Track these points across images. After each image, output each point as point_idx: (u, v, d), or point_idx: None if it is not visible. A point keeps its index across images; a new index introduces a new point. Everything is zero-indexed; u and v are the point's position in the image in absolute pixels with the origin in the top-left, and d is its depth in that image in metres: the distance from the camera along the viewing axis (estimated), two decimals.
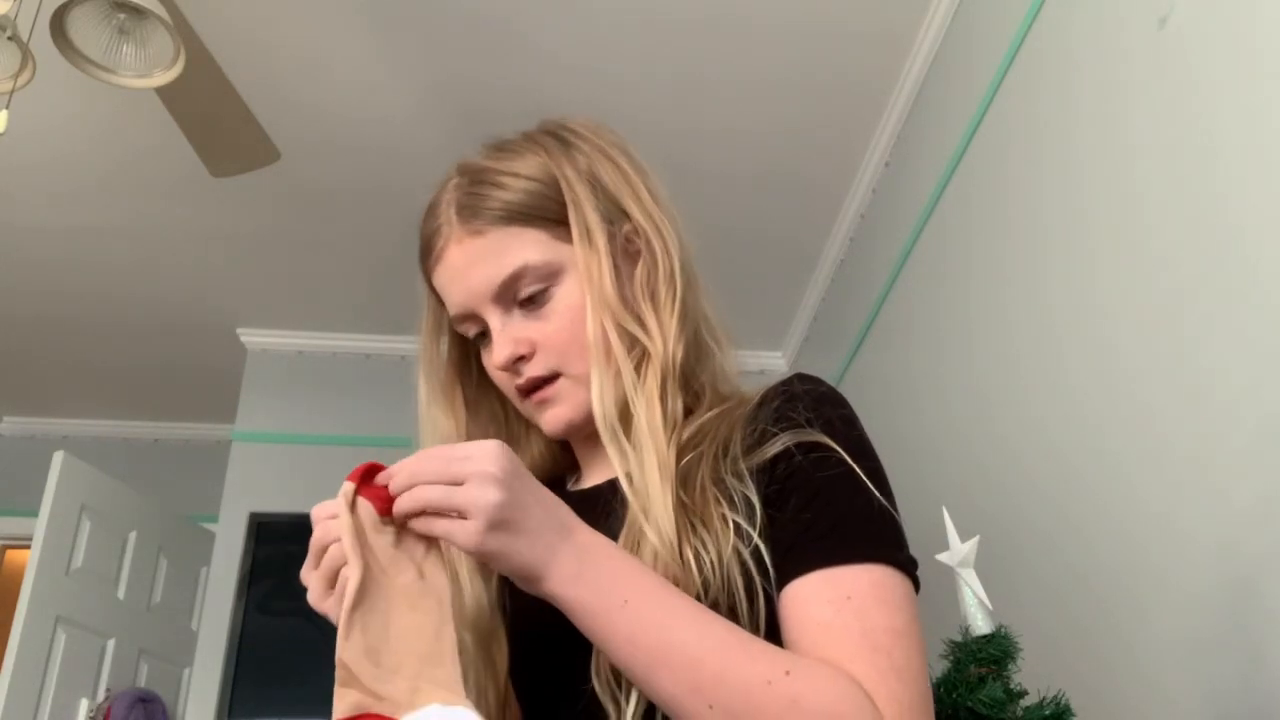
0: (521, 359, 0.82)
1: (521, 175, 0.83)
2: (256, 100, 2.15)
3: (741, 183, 2.90)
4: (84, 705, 3.12)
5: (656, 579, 0.66)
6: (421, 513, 0.64)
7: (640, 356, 0.80)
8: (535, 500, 0.65)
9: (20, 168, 2.75)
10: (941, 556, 1.41)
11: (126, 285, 3.31)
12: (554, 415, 0.83)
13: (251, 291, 3.41)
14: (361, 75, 2.53)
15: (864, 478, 0.71)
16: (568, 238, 0.82)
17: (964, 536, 1.44)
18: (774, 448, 0.73)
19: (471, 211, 0.82)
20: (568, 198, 0.82)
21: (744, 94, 2.62)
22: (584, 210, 0.82)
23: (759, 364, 3.64)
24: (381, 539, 0.64)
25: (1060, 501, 1.85)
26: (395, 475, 0.64)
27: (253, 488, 3.38)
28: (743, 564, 0.69)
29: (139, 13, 1.75)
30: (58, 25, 1.72)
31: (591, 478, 0.88)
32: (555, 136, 0.87)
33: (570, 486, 0.91)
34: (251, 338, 3.61)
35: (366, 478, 0.65)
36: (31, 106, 2.18)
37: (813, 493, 0.71)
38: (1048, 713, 1.29)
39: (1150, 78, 1.63)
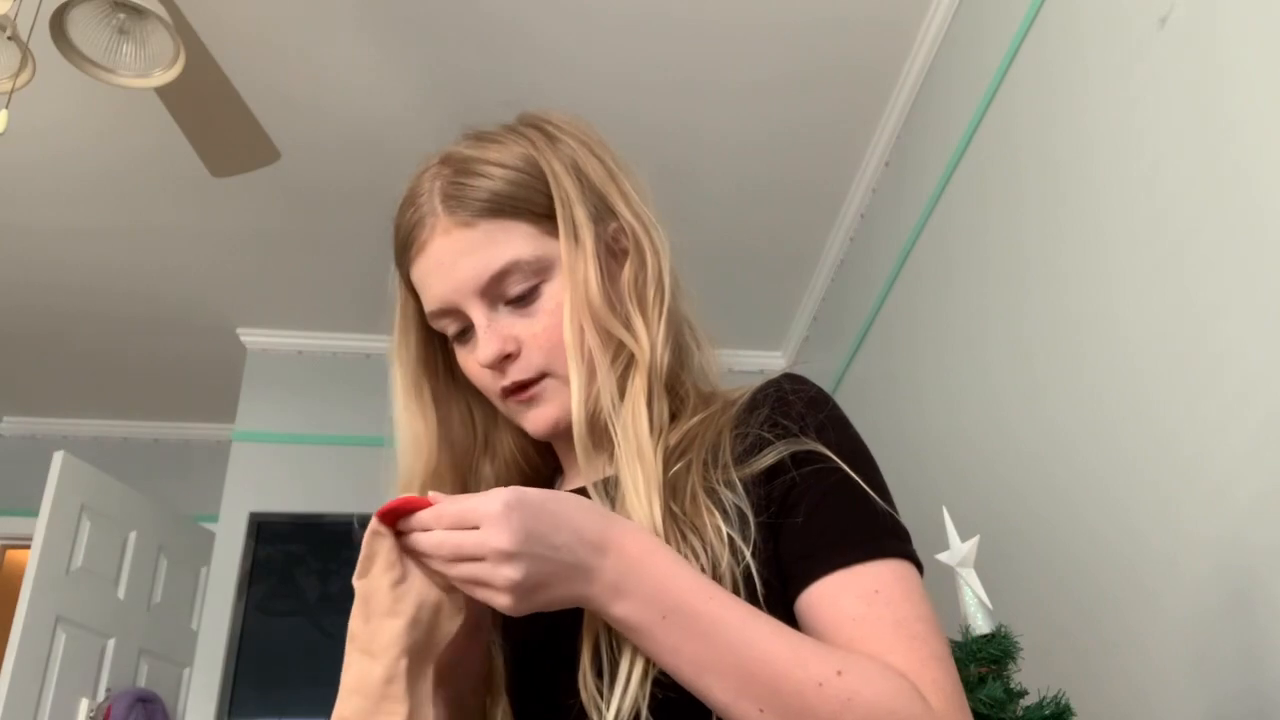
0: (508, 358, 0.79)
1: (508, 166, 0.80)
2: (256, 100, 2.15)
3: (742, 182, 2.90)
4: (84, 705, 3.12)
5: (697, 583, 0.66)
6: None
7: (627, 361, 0.79)
8: (553, 544, 0.63)
9: (20, 168, 2.75)
10: (941, 556, 1.41)
11: (126, 285, 3.31)
12: (540, 415, 0.81)
13: (251, 291, 3.41)
14: (362, 75, 2.53)
15: (861, 483, 0.71)
16: (555, 232, 0.80)
17: (964, 536, 1.44)
18: (768, 458, 0.72)
19: (458, 202, 0.79)
20: (555, 193, 0.80)
21: (744, 94, 2.62)
22: (572, 207, 0.80)
23: (759, 364, 3.63)
24: (388, 576, 0.65)
25: (1061, 501, 1.85)
26: (425, 543, 0.65)
27: (253, 488, 3.38)
28: (733, 579, 0.69)
29: (139, 13, 1.75)
30: (58, 25, 1.72)
31: (577, 478, 0.86)
32: (538, 129, 0.84)
33: (557, 488, 0.89)
34: (251, 338, 3.61)
35: (390, 517, 0.65)
36: (31, 106, 2.18)
37: (818, 502, 0.71)
38: (1048, 713, 1.30)
39: (1151, 77, 1.63)
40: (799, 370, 0.82)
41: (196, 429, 4.11)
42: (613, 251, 0.83)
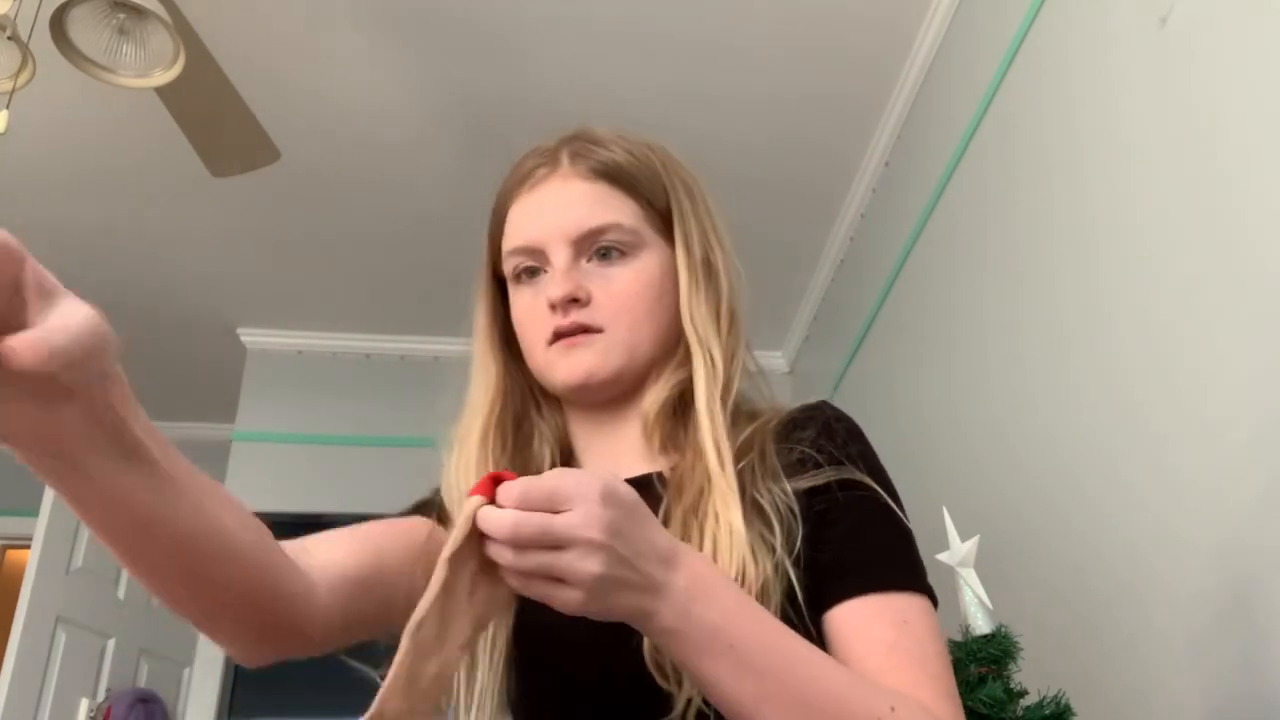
0: (575, 302, 0.83)
1: (634, 153, 0.88)
2: (257, 100, 2.14)
3: (741, 182, 2.89)
4: (84, 705, 3.12)
5: (758, 615, 0.66)
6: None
7: (707, 365, 0.84)
8: (637, 549, 0.60)
9: (20, 168, 2.75)
10: (941, 556, 1.42)
11: (127, 285, 3.31)
12: (579, 360, 0.83)
13: (251, 291, 3.41)
14: (363, 74, 2.53)
15: (901, 516, 0.76)
16: (656, 225, 0.87)
17: (964, 536, 1.44)
18: (816, 479, 0.76)
19: (584, 160, 0.86)
20: (673, 201, 0.88)
21: (744, 94, 2.62)
22: (686, 218, 0.88)
23: (759, 364, 3.63)
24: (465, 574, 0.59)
25: (1060, 501, 1.85)
26: (497, 524, 0.58)
27: (253, 488, 3.37)
28: (776, 586, 0.72)
29: (139, 13, 1.75)
30: (58, 25, 1.72)
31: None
32: (663, 150, 0.92)
33: None
34: (251, 338, 3.61)
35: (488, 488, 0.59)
36: (31, 106, 2.18)
37: (859, 524, 0.75)
38: (1048, 713, 1.30)
39: (1151, 77, 1.63)
40: (810, 371, 0.86)
41: (196, 429, 4.10)
42: (705, 273, 0.88)
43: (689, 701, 0.69)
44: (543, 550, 0.57)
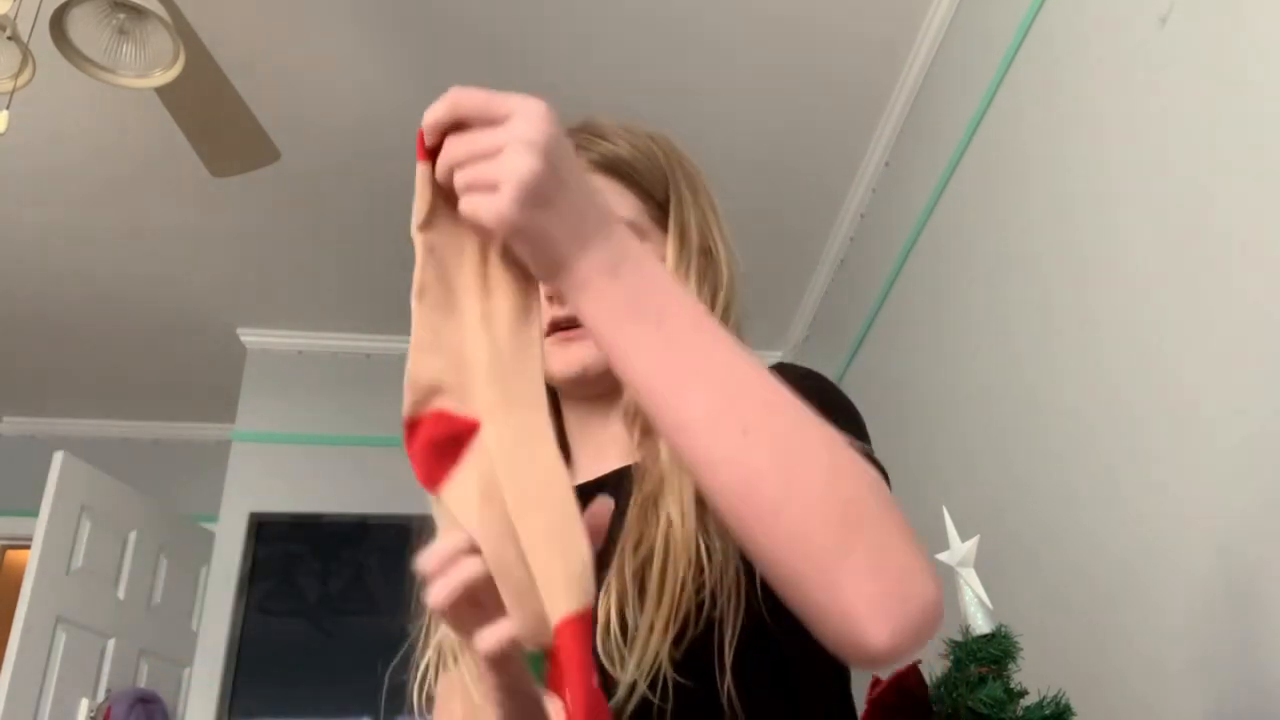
0: None
1: (636, 145, 0.88)
2: (256, 101, 2.14)
3: (742, 182, 2.89)
4: (84, 705, 3.12)
5: (694, 299, 0.61)
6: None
7: None
8: (575, 178, 0.56)
9: (20, 167, 2.75)
10: (941, 556, 1.42)
11: (127, 285, 3.31)
12: (575, 354, 0.83)
13: (251, 291, 3.41)
14: (363, 76, 2.53)
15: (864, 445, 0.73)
16: (657, 218, 0.87)
17: (964, 536, 1.44)
18: None
19: (586, 153, 0.86)
20: (673, 192, 0.87)
21: (744, 94, 2.62)
22: (685, 209, 0.87)
23: None
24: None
25: (1061, 501, 1.85)
26: (426, 131, 0.57)
27: (253, 488, 3.38)
28: (727, 576, 0.69)
29: (139, 13, 1.75)
30: (58, 25, 1.72)
31: (588, 466, 0.87)
32: (668, 142, 0.92)
33: None
34: (251, 338, 3.61)
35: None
36: (31, 106, 2.18)
37: None
38: (1048, 713, 1.30)
39: (1150, 76, 1.64)
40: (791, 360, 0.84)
41: (196, 429, 4.11)
42: (701, 262, 0.88)
43: (633, 687, 0.66)
44: (474, 158, 0.55)
